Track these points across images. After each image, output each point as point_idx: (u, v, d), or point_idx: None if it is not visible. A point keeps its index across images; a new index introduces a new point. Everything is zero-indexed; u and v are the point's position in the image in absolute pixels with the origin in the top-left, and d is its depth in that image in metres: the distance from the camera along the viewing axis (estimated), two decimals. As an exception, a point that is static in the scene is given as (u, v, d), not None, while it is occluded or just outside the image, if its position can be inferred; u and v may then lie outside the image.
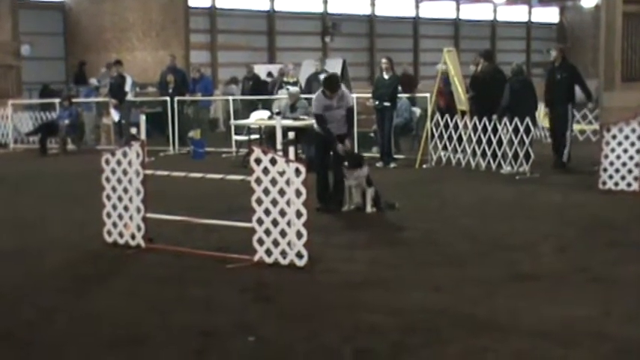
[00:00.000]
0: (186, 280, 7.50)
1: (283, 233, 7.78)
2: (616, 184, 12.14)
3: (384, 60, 16.04)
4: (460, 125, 15.38)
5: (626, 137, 12.06)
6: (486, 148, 14.75)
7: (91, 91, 22.76)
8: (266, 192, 7.88)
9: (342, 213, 10.75)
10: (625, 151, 12.08)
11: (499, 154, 14.52)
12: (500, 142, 14.48)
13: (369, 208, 10.65)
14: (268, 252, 7.88)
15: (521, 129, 14.06)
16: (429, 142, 15.71)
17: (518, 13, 47.71)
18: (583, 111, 19.57)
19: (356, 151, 16.69)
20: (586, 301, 6.57)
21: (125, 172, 8.71)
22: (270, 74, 24.65)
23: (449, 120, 15.45)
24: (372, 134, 17.18)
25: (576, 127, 19.22)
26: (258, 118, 17.61)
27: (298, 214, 7.66)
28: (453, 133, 15.50)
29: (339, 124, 10.80)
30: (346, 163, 10.61)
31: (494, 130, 14.49)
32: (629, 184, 12.05)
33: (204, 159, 17.78)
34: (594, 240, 8.92)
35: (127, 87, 20.08)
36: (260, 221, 7.92)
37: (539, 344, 5.57)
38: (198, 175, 9.35)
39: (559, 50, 15.10)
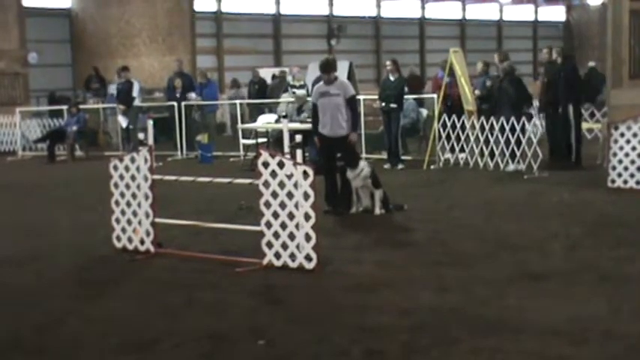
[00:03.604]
0: (195, 284, 7.51)
1: (292, 236, 7.78)
2: (625, 182, 12.12)
3: (388, 62, 16.09)
4: (467, 125, 15.38)
5: (635, 135, 12.04)
6: (494, 148, 14.75)
7: (112, 97, 22.80)
8: (274, 195, 7.89)
9: (350, 215, 10.75)
10: (633, 148, 12.05)
11: (507, 152, 14.51)
12: (507, 142, 14.47)
13: (377, 210, 10.65)
14: (277, 255, 7.89)
15: (518, 128, 14.17)
16: (437, 143, 15.70)
17: (524, 13, 47.59)
18: (590, 109, 19.60)
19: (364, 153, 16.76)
20: (595, 299, 6.56)
21: (133, 178, 8.73)
22: (274, 77, 24.70)
23: (456, 120, 15.46)
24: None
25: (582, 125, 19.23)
26: (266, 121, 17.65)
27: (307, 217, 7.67)
28: (460, 133, 15.52)
29: (335, 115, 10.68)
30: (339, 155, 10.62)
31: (502, 130, 14.50)
32: (637, 182, 12.01)
33: (212, 163, 17.80)
34: (603, 238, 8.90)
35: (135, 92, 20.12)
36: (268, 224, 7.93)
37: (549, 343, 5.56)
38: (206, 179, 9.38)
39: (550, 50, 15.26)
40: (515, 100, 14.55)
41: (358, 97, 18.63)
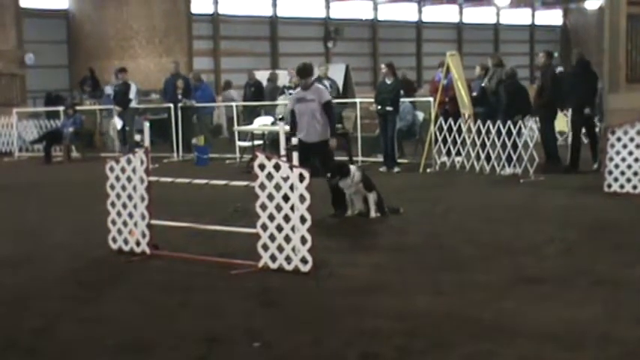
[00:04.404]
0: (190, 286, 7.50)
1: (288, 239, 7.77)
2: (621, 186, 12.11)
3: (383, 66, 16.11)
4: (464, 129, 15.38)
5: (631, 139, 12.03)
6: (490, 152, 14.75)
7: (109, 98, 22.79)
8: (270, 197, 7.89)
9: (345, 218, 10.73)
10: (630, 153, 12.04)
11: (503, 156, 14.52)
12: (504, 145, 14.48)
13: (372, 214, 10.62)
14: (273, 257, 7.88)
15: (514, 131, 14.21)
16: (433, 147, 15.71)
17: (521, 16, 47.70)
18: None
19: (360, 156, 16.77)
20: (592, 303, 6.55)
21: (129, 179, 8.72)
22: (269, 80, 24.69)
23: (452, 124, 15.46)
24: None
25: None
26: (262, 123, 17.64)
27: (302, 220, 7.66)
28: (456, 136, 15.52)
29: (310, 121, 10.67)
30: (328, 175, 10.58)
31: (498, 134, 14.52)
32: (634, 187, 12.01)
33: (208, 165, 17.79)
34: (600, 242, 8.90)
35: (132, 94, 20.10)
36: (264, 227, 7.92)
37: (545, 348, 5.55)
38: (202, 181, 9.36)
39: (546, 54, 15.33)
40: (510, 106, 14.57)
41: (355, 100, 18.71)
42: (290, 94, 17.90)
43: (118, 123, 20.05)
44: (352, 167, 10.86)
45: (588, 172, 14.39)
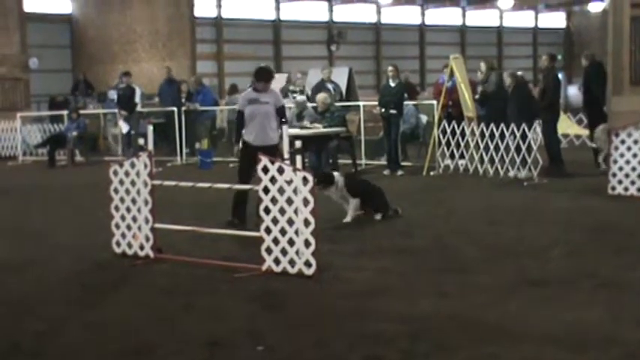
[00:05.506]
0: (194, 290, 7.50)
1: (291, 242, 7.77)
2: (626, 189, 12.09)
3: (390, 68, 16.11)
4: (467, 132, 15.37)
5: (635, 141, 12.01)
6: (494, 154, 14.73)
7: (112, 102, 22.81)
8: (274, 201, 7.89)
9: (349, 222, 10.68)
10: (634, 155, 12.02)
11: (507, 159, 14.50)
12: (518, 148, 14.43)
13: (348, 219, 10.56)
14: (276, 261, 7.88)
15: (518, 134, 14.22)
16: (437, 149, 15.69)
17: (524, 19, 47.66)
18: (579, 115, 19.81)
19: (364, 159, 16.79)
20: (595, 306, 6.54)
21: (133, 183, 8.73)
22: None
23: (456, 127, 15.45)
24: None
25: (572, 131, 19.48)
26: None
27: (306, 223, 7.66)
28: (460, 139, 15.51)
29: (263, 124, 10.24)
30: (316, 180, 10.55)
31: (502, 137, 14.49)
32: (638, 189, 11.98)
33: (212, 169, 17.80)
34: (603, 245, 8.89)
35: (137, 98, 20.14)
36: (268, 230, 7.92)
37: (548, 350, 5.55)
38: (205, 184, 9.36)
39: (549, 57, 15.38)
40: (534, 107, 14.65)
41: (358, 103, 18.72)
42: (294, 97, 17.92)
43: (123, 127, 20.07)
44: (336, 174, 10.88)
45: (592, 174, 14.37)
